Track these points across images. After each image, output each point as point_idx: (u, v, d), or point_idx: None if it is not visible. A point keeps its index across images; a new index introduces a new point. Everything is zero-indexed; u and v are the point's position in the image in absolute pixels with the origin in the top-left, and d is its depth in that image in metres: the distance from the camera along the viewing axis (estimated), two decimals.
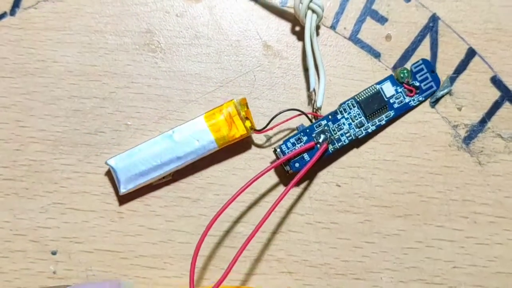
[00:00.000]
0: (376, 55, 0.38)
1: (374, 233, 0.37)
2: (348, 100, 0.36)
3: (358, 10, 0.38)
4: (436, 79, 0.37)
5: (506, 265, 0.37)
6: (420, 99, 0.37)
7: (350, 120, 0.36)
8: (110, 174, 0.36)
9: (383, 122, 0.37)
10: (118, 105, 0.37)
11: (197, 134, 0.35)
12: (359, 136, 0.36)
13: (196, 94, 0.37)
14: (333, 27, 0.38)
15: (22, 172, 0.36)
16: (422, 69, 0.37)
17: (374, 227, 0.37)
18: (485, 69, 0.38)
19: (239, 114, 0.35)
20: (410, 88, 0.37)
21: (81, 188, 0.36)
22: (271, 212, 0.32)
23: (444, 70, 0.38)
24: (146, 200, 0.36)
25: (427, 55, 0.38)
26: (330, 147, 0.36)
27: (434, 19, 0.38)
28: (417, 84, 0.37)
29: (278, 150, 0.36)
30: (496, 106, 0.38)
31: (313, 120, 0.37)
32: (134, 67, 0.37)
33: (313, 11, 0.36)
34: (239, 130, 0.35)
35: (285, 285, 0.36)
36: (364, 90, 0.36)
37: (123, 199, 0.36)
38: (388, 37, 0.38)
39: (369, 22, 0.38)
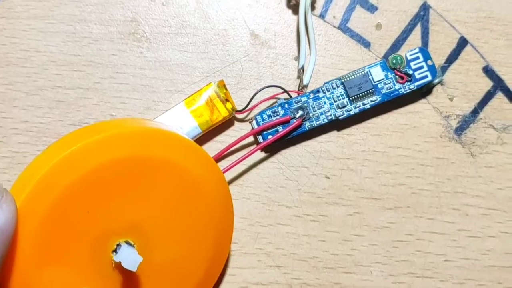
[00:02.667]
0: (366, 44, 0.38)
1: (363, 226, 0.37)
2: (332, 80, 0.36)
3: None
4: (433, 70, 0.37)
5: (498, 258, 0.37)
6: (412, 87, 0.37)
7: (332, 100, 0.36)
8: None
9: (368, 106, 0.36)
10: (103, 95, 0.37)
11: (179, 121, 0.35)
12: (340, 117, 0.36)
13: (182, 84, 0.37)
14: (322, 16, 0.38)
15: (5, 164, 0.36)
16: (417, 58, 0.37)
17: (363, 219, 0.37)
18: (477, 59, 0.38)
19: (219, 96, 0.35)
20: (402, 75, 0.36)
21: None
22: (229, 168, 0.34)
23: (435, 59, 0.38)
24: None
25: (418, 44, 0.38)
26: (307, 123, 0.36)
27: (425, 7, 0.39)
28: (410, 72, 0.37)
29: (254, 121, 0.36)
30: (488, 96, 0.38)
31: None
32: (119, 57, 0.37)
33: None
34: (221, 113, 0.36)
35: (274, 279, 0.37)
36: (352, 71, 0.37)
37: None
38: (378, 26, 0.38)
39: (359, 11, 0.38)
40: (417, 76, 0.37)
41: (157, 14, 0.38)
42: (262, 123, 0.36)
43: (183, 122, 0.35)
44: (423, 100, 0.38)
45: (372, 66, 0.37)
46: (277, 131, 0.36)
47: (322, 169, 0.37)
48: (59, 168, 0.28)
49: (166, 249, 0.31)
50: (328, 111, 0.36)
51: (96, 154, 0.29)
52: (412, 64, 0.37)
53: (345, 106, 0.36)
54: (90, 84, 0.37)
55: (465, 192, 0.37)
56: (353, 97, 0.36)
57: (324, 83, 0.36)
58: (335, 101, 0.36)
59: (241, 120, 0.38)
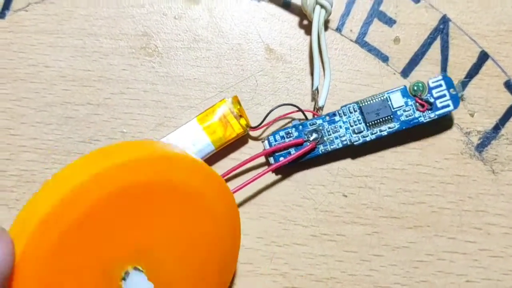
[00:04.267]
0: (384, 58, 0.38)
1: (382, 245, 0.36)
2: (350, 104, 0.36)
3: (365, 11, 0.38)
4: (456, 99, 0.36)
5: None
6: (432, 116, 0.36)
7: (348, 125, 0.36)
8: None
9: (385, 133, 0.36)
10: (113, 111, 0.37)
11: (192, 138, 0.35)
12: (355, 143, 0.36)
13: (195, 100, 0.37)
14: (338, 29, 0.38)
15: (13, 183, 0.36)
16: (440, 85, 0.36)
17: (382, 239, 0.36)
18: (498, 73, 0.38)
19: (232, 113, 0.35)
20: (422, 102, 0.36)
21: None
22: (239, 189, 0.34)
23: (455, 74, 0.37)
24: None
25: (437, 58, 0.38)
26: (321, 147, 0.36)
27: (444, 20, 0.38)
28: (432, 100, 0.36)
29: (266, 141, 0.36)
30: (510, 112, 0.37)
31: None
32: (130, 72, 0.37)
33: (322, 6, 0.36)
34: (234, 130, 0.35)
35: None
36: (371, 96, 0.36)
37: None
38: (396, 40, 0.38)
39: (377, 24, 0.38)
40: (439, 105, 0.36)
41: (169, 28, 0.37)
42: (275, 144, 0.36)
43: (195, 139, 0.35)
44: None
45: (392, 92, 0.36)
46: (289, 153, 0.36)
47: (340, 187, 0.37)
48: (63, 204, 0.27)
49: (174, 272, 0.31)
50: (344, 136, 0.36)
51: (102, 184, 0.28)
52: (434, 91, 0.36)
53: (361, 132, 0.36)
54: (100, 100, 0.37)
55: (487, 210, 0.37)
56: (370, 123, 0.36)
57: (341, 107, 0.36)
58: (351, 126, 0.36)
59: (255, 138, 0.37)
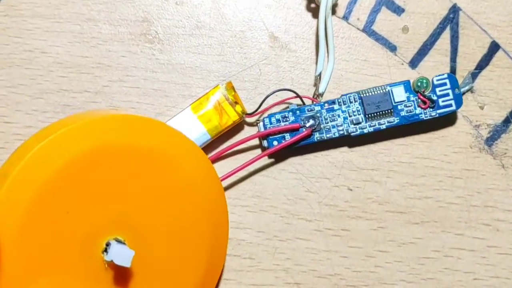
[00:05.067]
0: (392, 48, 0.37)
1: (388, 241, 0.36)
2: (351, 93, 0.35)
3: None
4: (459, 100, 0.35)
5: None
6: (433, 114, 0.35)
7: (347, 114, 0.35)
8: None
9: (383, 127, 0.35)
10: (112, 100, 0.36)
11: (187, 128, 0.34)
12: (352, 134, 0.35)
13: (197, 89, 0.36)
14: (345, 17, 0.37)
15: None
16: (444, 84, 0.35)
17: (388, 234, 0.36)
18: (509, 65, 0.37)
19: (227, 99, 0.34)
20: (425, 99, 0.35)
21: None
22: (230, 175, 0.33)
23: (465, 65, 0.37)
24: None
25: (447, 48, 0.37)
26: (317, 135, 0.35)
27: (454, 10, 0.37)
28: (434, 97, 0.35)
29: (260, 123, 0.35)
30: None
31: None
32: (129, 59, 0.36)
33: None
34: (230, 117, 0.34)
35: None
36: (373, 87, 0.35)
37: None
38: (405, 29, 0.37)
39: (385, 13, 0.37)
40: (441, 104, 0.35)
41: (170, 14, 0.37)
42: (269, 127, 0.35)
43: (191, 128, 0.34)
44: None
45: (395, 86, 0.35)
46: (284, 138, 0.35)
47: (345, 180, 0.36)
48: (32, 164, 0.27)
49: (159, 243, 0.30)
50: (341, 125, 0.35)
51: (71, 144, 0.28)
52: (437, 89, 0.35)
53: (360, 123, 0.35)
54: (98, 87, 0.36)
55: (496, 206, 0.36)
56: (370, 115, 0.35)
57: (342, 95, 0.35)
58: (350, 116, 0.35)
59: (252, 124, 0.36)
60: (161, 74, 0.36)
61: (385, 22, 0.37)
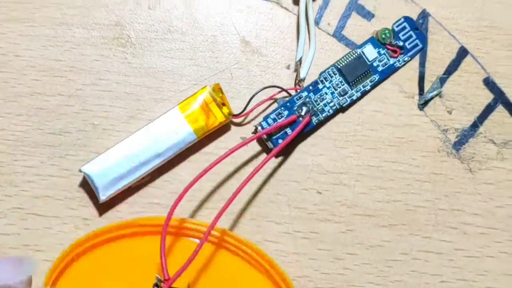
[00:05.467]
0: None
1: (356, 243, 0.36)
2: (328, 68, 0.36)
3: (343, 4, 0.38)
4: (421, 36, 0.37)
5: (497, 279, 0.36)
6: (406, 59, 0.37)
7: (333, 89, 0.36)
8: (82, 180, 0.36)
9: (368, 87, 0.37)
10: (85, 103, 0.36)
11: (174, 127, 0.35)
12: (344, 105, 0.36)
13: (169, 93, 0.37)
14: (316, 22, 0.38)
15: None
16: (404, 27, 0.37)
17: (356, 237, 0.36)
18: (477, 70, 0.37)
19: (215, 100, 0.35)
20: (394, 48, 0.37)
21: (43, 192, 0.36)
22: (248, 181, 0.33)
23: (434, 70, 0.37)
24: (117, 206, 0.36)
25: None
26: (314, 118, 0.36)
27: (424, 15, 0.38)
28: (401, 43, 0.37)
29: (259, 127, 0.36)
30: (488, 109, 0.37)
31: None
32: (102, 63, 0.37)
33: None
34: (217, 118, 0.35)
35: None
36: (345, 55, 0.37)
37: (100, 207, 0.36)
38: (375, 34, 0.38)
39: (355, 18, 0.38)
40: (408, 47, 0.37)
41: (143, 18, 0.37)
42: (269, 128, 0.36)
43: (177, 127, 0.35)
44: (420, 113, 0.37)
45: (363, 46, 0.37)
46: (286, 133, 0.36)
47: (314, 183, 0.36)
48: None
49: None
50: (331, 101, 0.36)
51: None
52: (400, 35, 0.37)
53: (347, 93, 0.36)
54: (71, 91, 0.36)
55: (463, 209, 0.36)
56: (352, 82, 0.36)
57: (321, 73, 0.36)
58: (335, 90, 0.36)
59: (238, 125, 0.37)
60: (134, 78, 0.37)
61: (355, 27, 0.38)
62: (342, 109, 0.37)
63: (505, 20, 0.38)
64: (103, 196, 0.34)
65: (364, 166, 0.37)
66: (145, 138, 0.35)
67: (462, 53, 0.37)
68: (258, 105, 0.36)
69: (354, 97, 0.36)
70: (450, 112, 0.37)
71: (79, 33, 0.37)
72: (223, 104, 0.35)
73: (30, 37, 0.37)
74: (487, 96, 0.37)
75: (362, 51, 0.37)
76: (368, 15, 0.38)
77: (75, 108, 0.36)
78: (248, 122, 0.37)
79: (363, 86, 0.37)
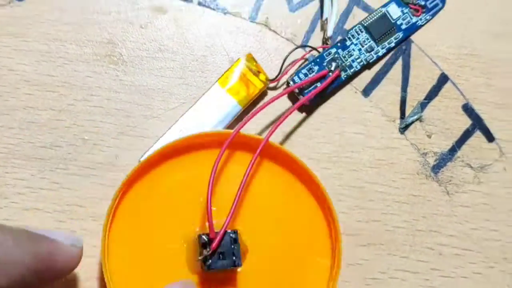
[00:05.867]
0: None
1: None
2: (355, 26, 0.39)
3: (329, 29, 0.39)
4: None
5: None
6: (428, 17, 0.40)
7: (360, 46, 0.39)
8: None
9: (393, 44, 0.39)
10: (76, 118, 0.37)
11: (219, 103, 0.37)
12: (371, 61, 0.39)
13: (158, 110, 0.38)
14: (303, 46, 0.39)
15: None
16: None
17: None
18: (457, 96, 0.39)
19: (250, 70, 0.37)
20: (416, 7, 0.39)
21: (33, 205, 0.36)
22: (281, 122, 0.35)
23: (415, 95, 0.39)
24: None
25: (398, 78, 0.39)
26: (343, 74, 0.38)
27: (407, 42, 0.39)
28: (423, 2, 0.39)
29: (291, 82, 0.38)
30: (466, 134, 0.39)
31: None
32: (94, 79, 0.38)
33: None
34: (256, 86, 0.37)
35: None
36: (370, 14, 0.39)
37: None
38: None
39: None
40: (429, 6, 0.40)
41: (135, 36, 0.38)
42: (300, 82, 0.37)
43: (221, 102, 0.37)
44: (401, 136, 0.38)
45: (387, 5, 0.39)
46: (316, 86, 0.38)
47: None
48: None
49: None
50: (358, 57, 0.39)
51: None
52: None
53: (373, 49, 0.39)
54: (63, 105, 0.37)
55: (440, 231, 0.38)
56: (378, 39, 0.39)
57: (348, 31, 0.39)
58: (362, 46, 0.39)
59: (275, 88, 0.39)
60: (124, 95, 0.38)
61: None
62: (368, 65, 0.39)
63: (485, 48, 0.39)
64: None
65: (346, 186, 0.38)
66: (194, 118, 0.36)
67: (443, 79, 0.39)
68: (291, 66, 0.38)
69: (380, 53, 0.39)
70: (429, 136, 0.38)
71: (72, 49, 0.38)
72: (259, 72, 0.37)
73: (24, 52, 0.37)
74: (466, 122, 0.39)
75: (387, 10, 0.39)
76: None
77: (66, 122, 0.37)
78: (287, 81, 0.38)
79: (388, 43, 0.39)
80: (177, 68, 0.38)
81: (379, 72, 0.39)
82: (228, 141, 0.33)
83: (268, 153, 0.35)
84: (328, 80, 0.37)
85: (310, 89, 0.38)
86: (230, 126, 0.36)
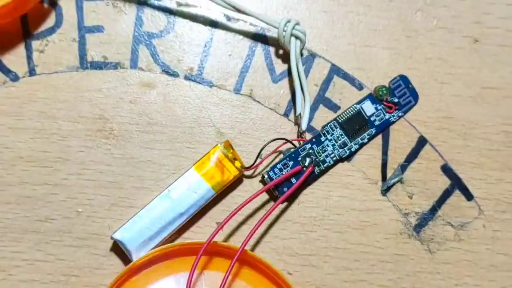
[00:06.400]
0: None
1: None
2: (330, 122, 0.40)
3: (311, 98, 0.41)
4: (414, 94, 0.41)
5: None
6: (400, 114, 0.41)
7: (334, 141, 0.40)
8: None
9: (365, 140, 0.40)
10: (70, 191, 0.39)
11: (193, 187, 0.38)
12: (343, 156, 0.40)
13: (149, 181, 0.39)
14: (286, 115, 0.41)
15: None
16: (400, 85, 0.41)
17: None
18: (435, 157, 0.41)
19: (227, 156, 0.38)
20: (390, 105, 0.40)
21: (30, 277, 0.38)
22: (258, 226, 0.36)
23: (395, 158, 0.40)
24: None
25: (379, 143, 0.40)
26: (316, 169, 0.39)
27: None
28: (396, 100, 0.40)
29: (266, 176, 0.39)
30: (446, 194, 0.40)
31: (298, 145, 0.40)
32: (86, 154, 0.39)
33: (296, 37, 0.39)
34: (231, 172, 0.38)
35: None
36: (345, 111, 0.40)
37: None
38: None
39: (322, 110, 0.41)
40: (402, 103, 0.41)
41: (125, 111, 0.40)
42: (275, 177, 0.39)
43: (196, 186, 0.38)
44: (383, 198, 0.40)
45: (362, 102, 0.40)
46: (291, 182, 0.39)
47: (285, 265, 0.39)
48: None
49: None
50: (332, 153, 0.40)
51: None
52: (396, 92, 0.41)
53: (347, 145, 0.40)
54: (57, 180, 0.39)
55: None
56: (352, 135, 0.40)
57: (323, 127, 0.40)
58: (336, 142, 0.40)
59: (250, 177, 0.40)
60: (116, 168, 0.39)
61: (323, 118, 0.41)
62: (341, 160, 0.40)
63: (461, 111, 0.41)
64: (135, 258, 0.37)
65: (331, 248, 0.39)
66: (167, 200, 0.38)
67: (422, 142, 0.41)
68: (266, 157, 0.40)
69: (353, 149, 0.40)
70: (410, 197, 0.40)
71: (65, 125, 0.39)
72: (235, 159, 0.38)
73: (18, 130, 0.39)
74: (445, 182, 0.40)
75: (361, 107, 0.40)
76: (334, 107, 0.41)
77: (60, 196, 0.39)
78: (258, 174, 0.40)
79: (361, 139, 0.40)
80: (166, 140, 0.40)
81: None
82: (201, 253, 0.35)
83: (245, 260, 0.38)
84: (303, 177, 0.38)
85: (284, 184, 0.39)
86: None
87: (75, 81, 0.40)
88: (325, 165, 0.40)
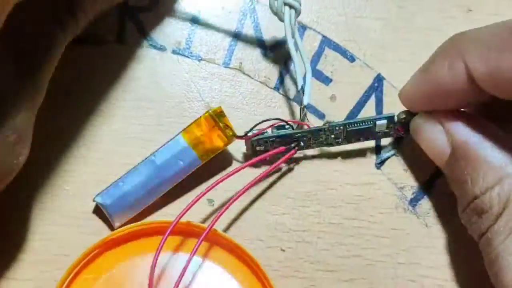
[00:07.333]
0: (321, 116, 0.40)
1: None
2: (338, 124, 0.38)
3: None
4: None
5: None
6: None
7: (331, 137, 0.38)
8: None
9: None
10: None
11: (179, 154, 0.37)
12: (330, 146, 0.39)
13: (137, 157, 0.39)
14: (276, 88, 0.40)
15: None
16: None
17: None
18: None
19: (217, 124, 0.37)
20: (402, 129, 0.39)
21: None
22: (227, 208, 0.36)
23: None
24: None
25: (372, 114, 0.40)
26: (299, 153, 0.39)
27: (379, 79, 0.41)
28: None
29: (256, 144, 0.38)
30: None
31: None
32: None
33: (290, 7, 0.37)
34: (221, 141, 0.37)
35: None
36: (362, 121, 0.38)
37: None
38: (332, 98, 0.40)
39: (314, 83, 0.40)
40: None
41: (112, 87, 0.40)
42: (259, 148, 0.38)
43: (182, 154, 0.37)
44: (378, 171, 0.39)
45: (380, 119, 0.38)
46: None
47: (278, 241, 0.39)
48: None
49: None
50: (322, 142, 0.39)
51: None
52: None
53: (340, 144, 0.39)
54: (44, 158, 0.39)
55: (420, 263, 0.39)
56: (351, 140, 0.39)
57: (330, 124, 0.38)
58: (331, 140, 0.39)
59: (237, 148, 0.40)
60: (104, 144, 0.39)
61: (314, 91, 0.40)
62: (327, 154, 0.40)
63: None
64: (118, 223, 0.37)
65: (325, 223, 0.39)
66: (151, 167, 0.37)
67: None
68: (261, 131, 0.38)
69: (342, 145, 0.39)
70: (406, 170, 0.40)
71: None
72: (227, 127, 0.37)
73: None
74: None
75: (376, 122, 0.38)
76: (326, 80, 0.40)
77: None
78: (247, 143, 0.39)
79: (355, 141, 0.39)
80: (154, 115, 0.39)
81: (353, 110, 0.40)
82: (169, 231, 0.35)
83: (214, 239, 0.37)
84: (283, 158, 0.38)
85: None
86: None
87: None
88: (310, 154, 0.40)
